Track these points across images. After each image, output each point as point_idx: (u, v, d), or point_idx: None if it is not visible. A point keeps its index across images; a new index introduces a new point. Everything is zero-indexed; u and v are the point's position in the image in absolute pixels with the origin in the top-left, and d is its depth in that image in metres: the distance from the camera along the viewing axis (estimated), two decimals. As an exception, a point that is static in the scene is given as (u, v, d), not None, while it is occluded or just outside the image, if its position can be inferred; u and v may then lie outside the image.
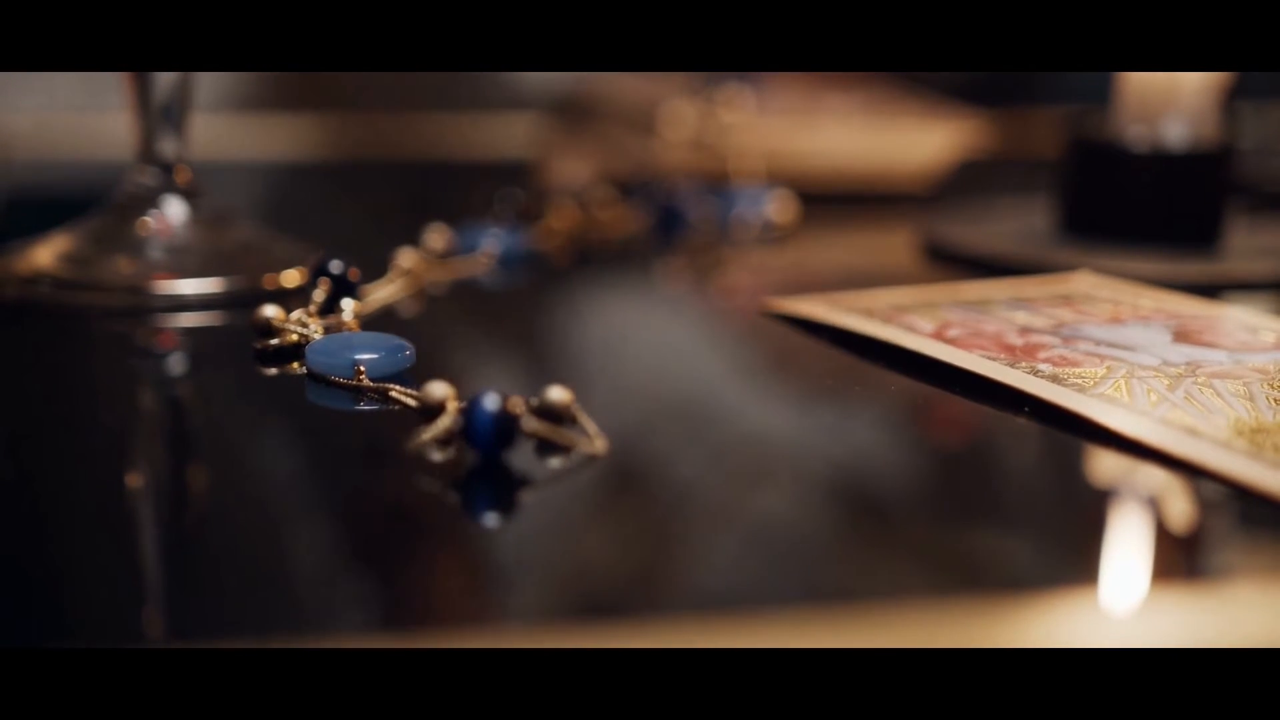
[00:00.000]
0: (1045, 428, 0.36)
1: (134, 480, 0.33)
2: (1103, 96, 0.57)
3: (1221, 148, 0.55)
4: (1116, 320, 0.44)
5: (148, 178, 0.47)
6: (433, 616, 0.28)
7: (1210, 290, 0.49)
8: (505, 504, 0.32)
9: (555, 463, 0.33)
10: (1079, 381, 0.38)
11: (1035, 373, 0.38)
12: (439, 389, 0.34)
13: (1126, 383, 0.38)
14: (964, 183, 0.69)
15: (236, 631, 0.26)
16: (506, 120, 0.77)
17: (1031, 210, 0.60)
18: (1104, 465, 0.35)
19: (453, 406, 0.34)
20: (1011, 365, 0.39)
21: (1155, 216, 0.55)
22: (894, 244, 0.56)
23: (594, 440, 0.33)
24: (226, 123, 0.76)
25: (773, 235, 0.59)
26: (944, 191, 0.68)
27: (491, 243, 0.52)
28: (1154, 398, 0.37)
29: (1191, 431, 0.34)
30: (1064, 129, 0.58)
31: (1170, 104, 0.55)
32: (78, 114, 0.75)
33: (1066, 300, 0.47)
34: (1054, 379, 0.38)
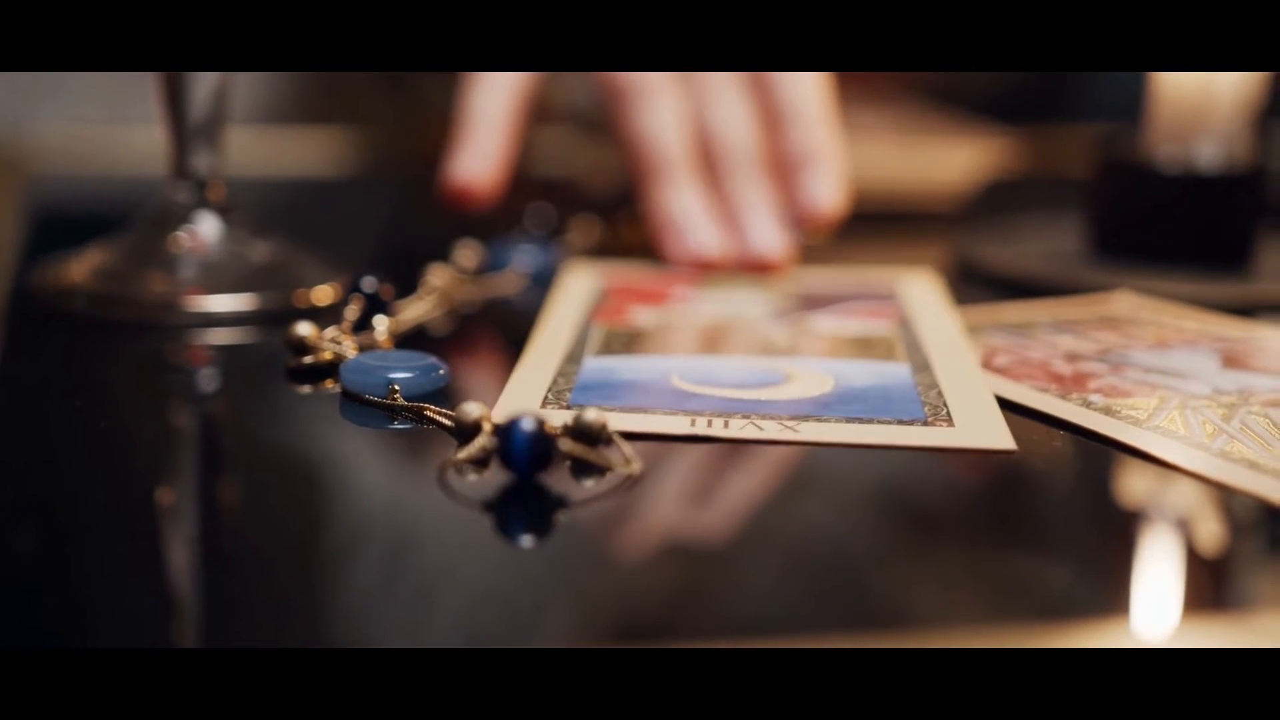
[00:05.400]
0: (1099, 454, 0.36)
1: (166, 496, 0.33)
2: (1134, 116, 0.57)
3: (1253, 169, 0.55)
4: (1162, 344, 0.44)
5: (181, 194, 0.47)
6: (467, 638, 0.28)
7: (1242, 312, 0.49)
8: (541, 525, 0.32)
9: (591, 483, 0.33)
10: (1133, 413, 0.37)
11: (1088, 404, 0.38)
12: (474, 409, 0.34)
13: (1181, 413, 0.37)
14: (993, 201, 0.69)
15: (265, 644, 0.26)
16: (538, 135, 0.77)
17: (1061, 230, 0.60)
18: (1155, 491, 0.35)
19: (488, 426, 0.34)
20: (1063, 397, 0.38)
21: (1186, 237, 0.55)
22: (924, 262, 0.56)
23: (630, 461, 0.33)
24: (258, 136, 0.76)
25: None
26: (973, 209, 0.68)
27: (522, 260, 0.52)
28: (1210, 429, 0.36)
29: (1252, 465, 0.34)
30: (1095, 148, 0.58)
31: (1202, 125, 0.55)
32: (105, 128, 0.75)
33: (1110, 323, 0.46)
34: (1107, 411, 0.37)
